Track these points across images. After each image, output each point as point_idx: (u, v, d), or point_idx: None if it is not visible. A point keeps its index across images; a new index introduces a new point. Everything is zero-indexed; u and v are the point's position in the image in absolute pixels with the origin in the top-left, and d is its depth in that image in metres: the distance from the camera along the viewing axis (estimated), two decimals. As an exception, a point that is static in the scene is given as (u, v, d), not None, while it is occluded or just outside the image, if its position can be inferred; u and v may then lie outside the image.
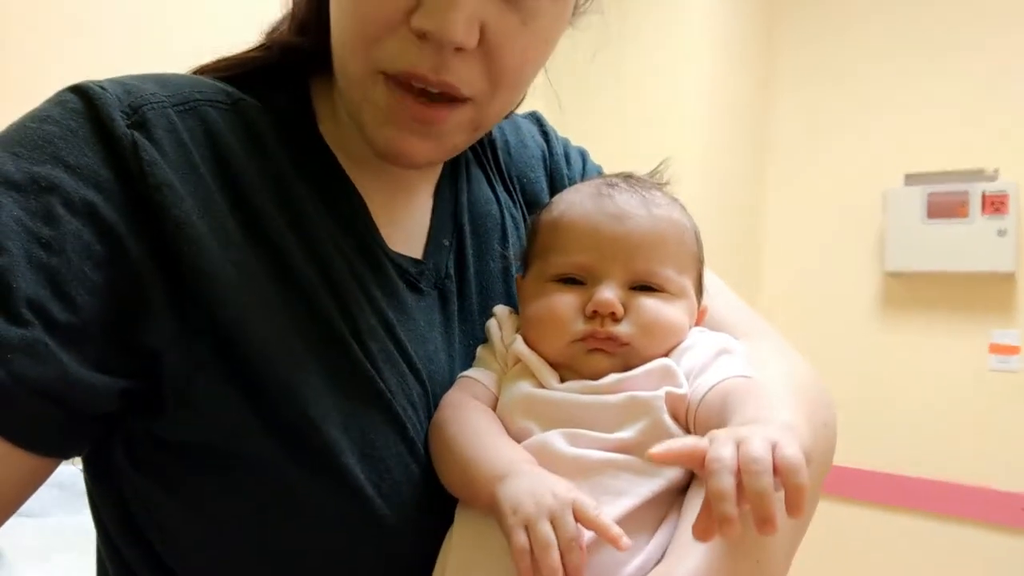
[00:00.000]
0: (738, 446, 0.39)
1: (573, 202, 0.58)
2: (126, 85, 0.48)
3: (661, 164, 0.63)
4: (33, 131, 0.44)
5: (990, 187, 2.26)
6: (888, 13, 2.48)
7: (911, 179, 2.38)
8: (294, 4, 0.59)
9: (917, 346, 2.38)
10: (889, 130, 2.46)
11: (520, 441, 0.51)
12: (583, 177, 0.71)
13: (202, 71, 0.57)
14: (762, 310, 2.61)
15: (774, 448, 0.39)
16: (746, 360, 0.54)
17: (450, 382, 0.56)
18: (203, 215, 0.47)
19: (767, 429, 0.40)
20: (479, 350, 0.58)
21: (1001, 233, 2.23)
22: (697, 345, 0.54)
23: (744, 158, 2.50)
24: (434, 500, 0.50)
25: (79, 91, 0.47)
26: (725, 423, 0.45)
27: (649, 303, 0.54)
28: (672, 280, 0.55)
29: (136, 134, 0.46)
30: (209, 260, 0.46)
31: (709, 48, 2.27)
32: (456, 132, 0.52)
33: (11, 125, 0.46)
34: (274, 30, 0.59)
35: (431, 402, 0.54)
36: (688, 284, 0.57)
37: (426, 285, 0.58)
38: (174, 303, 0.45)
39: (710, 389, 0.49)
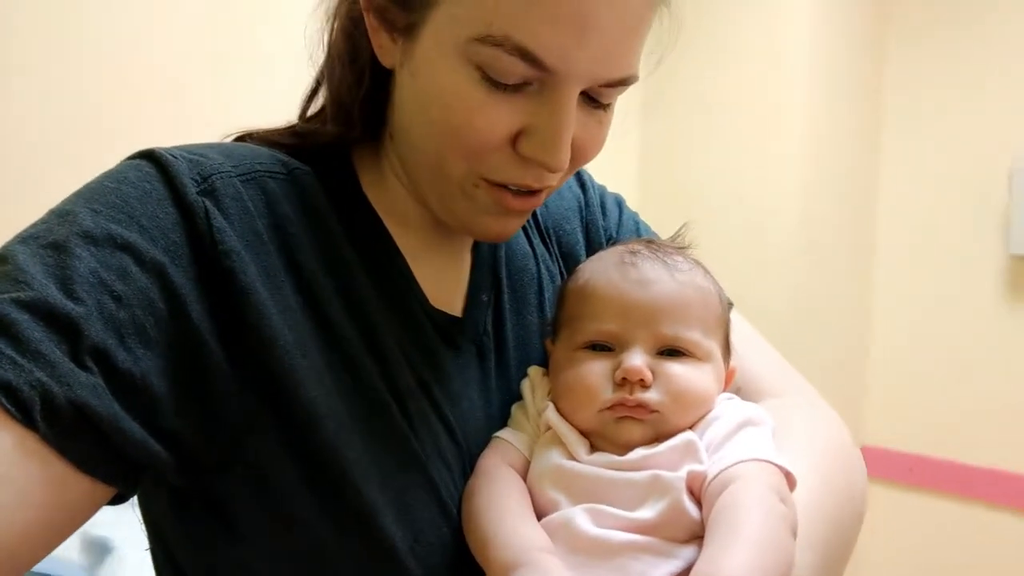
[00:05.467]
0: None
1: (598, 270, 0.58)
2: (193, 154, 0.51)
3: (682, 228, 0.63)
4: (111, 191, 0.48)
5: None
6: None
7: (1041, 153, 2.19)
8: (334, 92, 0.58)
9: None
10: (1017, 95, 2.26)
11: (548, 511, 0.53)
12: (619, 226, 0.71)
13: (244, 140, 0.60)
14: (875, 297, 2.40)
15: None
16: (770, 434, 0.54)
17: (486, 439, 0.57)
18: (265, 282, 0.49)
19: None
20: (514, 409, 0.60)
21: None
22: (722, 416, 0.54)
23: (852, 125, 2.30)
24: (465, 562, 0.51)
25: (151, 157, 0.50)
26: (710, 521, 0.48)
27: (677, 369, 0.54)
28: (699, 344, 0.55)
29: (207, 201, 0.49)
30: (269, 326, 0.49)
31: (812, 3, 2.11)
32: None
33: (90, 183, 0.49)
34: (312, 115, 0.60)
35: (466, 461, 0.56)
36: (715, 347, 0.57)
37: (464, 341, 0.59)
38: (233, 364, 0.48)
39: (718, 473, 0.50)
